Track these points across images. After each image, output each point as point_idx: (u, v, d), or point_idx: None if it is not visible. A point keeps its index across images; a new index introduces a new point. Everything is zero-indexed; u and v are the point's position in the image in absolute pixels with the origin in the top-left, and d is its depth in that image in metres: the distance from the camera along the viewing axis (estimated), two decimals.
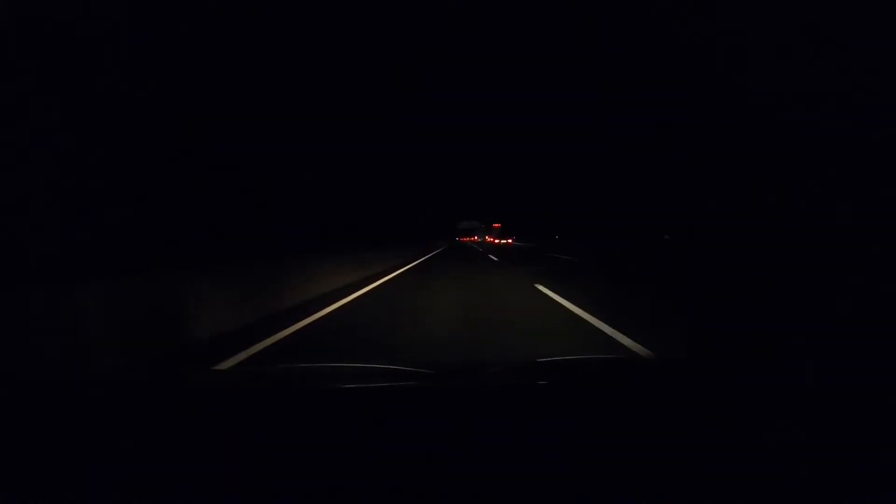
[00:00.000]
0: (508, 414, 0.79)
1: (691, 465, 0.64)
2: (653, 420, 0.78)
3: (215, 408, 0.83)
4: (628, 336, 3.27)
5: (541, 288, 6.19)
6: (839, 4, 9.32)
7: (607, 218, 29.76)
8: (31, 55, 3.10)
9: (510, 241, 54.98)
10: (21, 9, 3.01)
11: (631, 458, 0.65)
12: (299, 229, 7.95)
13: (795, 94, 10.58)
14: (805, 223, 10.59)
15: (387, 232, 15.33)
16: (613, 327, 3.57)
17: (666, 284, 7.51)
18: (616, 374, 1.19)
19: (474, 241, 73.50)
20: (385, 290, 6.32)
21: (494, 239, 69.43)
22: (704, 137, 15.86)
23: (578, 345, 3.16)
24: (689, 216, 17.78)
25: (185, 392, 0.95)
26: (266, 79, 7.11)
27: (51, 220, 3.15)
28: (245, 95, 6.42)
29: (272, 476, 0.60)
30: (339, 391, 0.96)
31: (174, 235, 4.49)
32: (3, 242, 2.78)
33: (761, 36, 11.20)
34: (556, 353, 2.93)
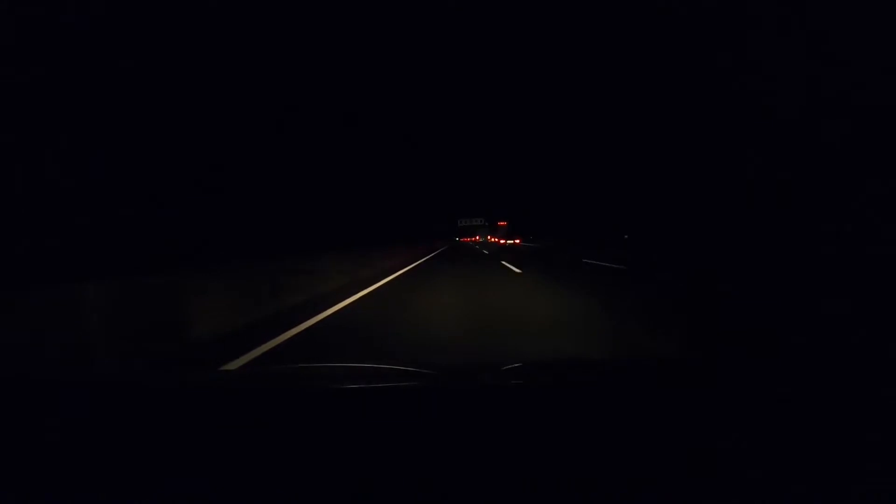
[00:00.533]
0: (510, 415, 0.79)
1: (692, 466, 0.64)
2: (653, 421, 0.78)
3: (225, 408, 0.84)
4: None
5: None
6: (840, 5, 9.32)
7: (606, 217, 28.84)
8: (32, 56, 3.10)
9: (517, 240, 50.01)
10: (22, 9, 3.01)
11: (632, 460, 0.65)
12: (294, 231, 7.94)
13: (795, 94, 10.58)
14: (805, 223, 10.60)
15: (385, 232, 15.12)
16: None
17: (669, 284, 7.50)
18: (617, 376, 1.19)
19: (475, 241, 68.71)
20: (381, 293, 6.31)
21: (499, 239, 60.81)
22: (704, 137, 15.86)
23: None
24: (689, 215, 17.72)
25: (195, 392, 0.95)
26: (266, 79, 7.11)
27: (51, 220, 3.15)
28: (245, 95, 6.42)
29: (276, 475, 0.60)
30: (344, 392, 0.96)
31: (174, 235, 4.50)
32: (5, 242, 2.78)
33: (762, 35, 11.21)
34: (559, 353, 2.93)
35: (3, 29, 2.93)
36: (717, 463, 0.64)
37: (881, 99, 8.66)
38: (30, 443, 0.70)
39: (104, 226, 3.58)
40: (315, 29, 9.37)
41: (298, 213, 8.34)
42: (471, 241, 73.91)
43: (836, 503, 0.57)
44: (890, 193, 8.62)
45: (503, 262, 12.04)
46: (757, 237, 12.17)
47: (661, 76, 18.67)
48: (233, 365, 2.68)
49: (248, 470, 0.61)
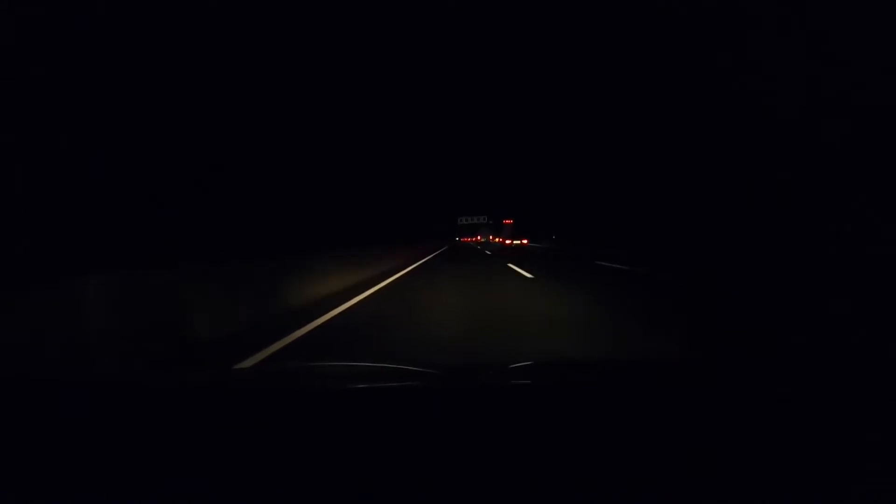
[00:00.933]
0: (511, 415, 0.80)
1: (692, 466, 0.64)
2: (653, 421, 0.78)
3: (225, 408, 0.84)
4: None
5: None
6: (840, 5, 9.32)
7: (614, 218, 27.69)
8: (32, 56, 3.10)
9: (524, 241, 45.61)
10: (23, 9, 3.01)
11: (632, 460, 0.65)
12: (289, 230, 7.85)
13: (795, 94, 10.58)
14: (804, 223, 10.60)
15: (383, 232, 14.81)
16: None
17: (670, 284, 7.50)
18: (618, 376, 1.19)
19: (477, 242, 64.60)
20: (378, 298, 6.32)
21: (505, 239, 55.15)
22: (704, 137, 15.86)
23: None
24: (689, 215, 17.70)
25: (194, 393, 0.95)
26: (267, 79, 7.11)
27: (51, 220, 3.15)
28: (245, 94, 6.42)
29: (276, 475, 0.60)
30: (345, 391, 0.96)
31: (174, 235, 4.49)
32: (4, 242, 2.78)
33: (762, 35, 11.22)
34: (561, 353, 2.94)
35: (4, 29, 2.93)
36: (717, 463, 0.64)
37: (881, 99, 8.67)
38: (32, 443, 0.70)
39: (104, 226, 3.58)
40: (315, 25, 9.37)
41: (294, 211, 8.32)
42: (472, 241, 69.35)
43: (836, 503, 0.57)
44: (890, 193, 8.63)
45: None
46: (757, 237, 12.17)
47: (661, 76, 18.68)
48: (243, 365, 2.68)
49: (249, 470, 0.61)
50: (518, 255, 18.48)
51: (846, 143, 9.55)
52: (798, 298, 5.54)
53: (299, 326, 3.76)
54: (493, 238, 68.00)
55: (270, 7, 7.02)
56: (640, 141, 22.46)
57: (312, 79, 9.56)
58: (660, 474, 0.62)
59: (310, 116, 9.33)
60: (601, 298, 5.65)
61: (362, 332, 3.67)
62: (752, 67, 11.78)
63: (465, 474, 0.61)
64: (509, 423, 0.75)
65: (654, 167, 21.44)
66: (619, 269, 10.14)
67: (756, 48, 11.52)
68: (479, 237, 72.91)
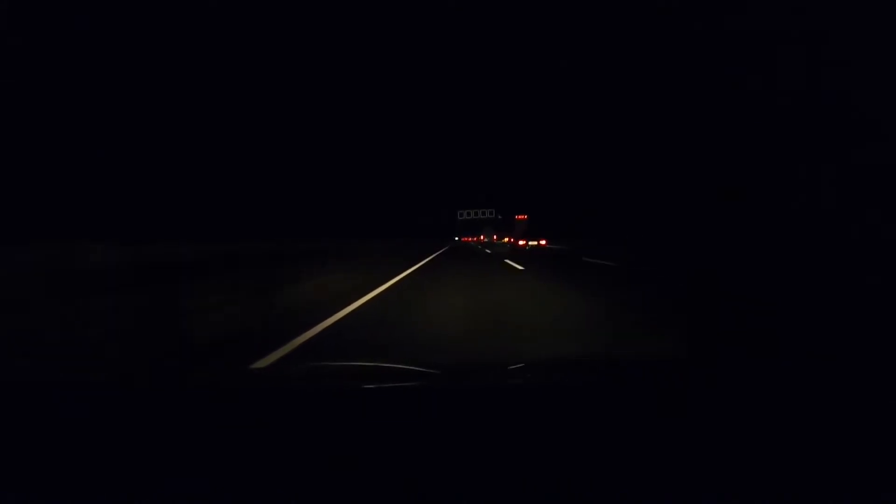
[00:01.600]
0: (512, 415, 0.80)
1: (692, 466, 0.64)
2: (653, 421, 0.78)
3: (225, 409, 0.84)
4: None
5: None
6: (840, 5, 9.34)
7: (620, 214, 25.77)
8: (33, 56, 3.11)
9: (543, 241, 36.02)
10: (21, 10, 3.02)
11: (632, 460, 0.65)
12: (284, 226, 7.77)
13: (795, 94, 10.59)
14: (805, 223, 10.61)
15: (383, 230, 14.20)
16: None
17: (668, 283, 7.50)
18: (617, 376, 1.19)
19: (479, 242, 53.87)
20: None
21: (518, 239, 42.18)
22: (704, 136, 15.86)
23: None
24: (690, 215, 17.65)
25: (194, 394, 0.95)
26: (267, 78, 7.11)
27: (62, 217, 3.15)
28: (245, 93, 6.42)
29: (278, 476, 0.60)
30: (347, 392, 0.97)
31: (174, 235, 4.50)
32: (8, 242, 2.78)
33: (762, 35, 11.23)
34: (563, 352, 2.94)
35: (5, 29, 2.93)
36: (717, 463, 0.65)
37: (881, 99, 8.68)
38: (37, 443, 0.70)
39: (107, 224, 3.59)
40: (310, 17, 9.37)
41: (291, 208, 8.27)
42: (474, 241, 59.92)
43: (837, 503, 0.58)
44: (890, 193, 8.64)
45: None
46: (757, 237, 12.17)
47: (662, 75, 18.68)
48: (258, 364, 2.66)
49: (251, 470, 0.62)
50: None
51: (845, 144, 9.56)
52: (798, 298, 5.53)
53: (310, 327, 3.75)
54: (497, 238, 56.55)
55: (272, 5, 7.02)
56: (639, 141, 22.36)
57: (314, 70, 9.48)
58: (659, 475, 0.62)
59: (310, 110, 9.29)
60: None
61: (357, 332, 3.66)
62: (752, 67, 11.80)
63: (465, 474, 0.61)
64: (509, 423, 0.76)
65: (653, 167, 21.32)
66: None
67: (756, 48, 11.53)
68: (482, 237, 61.95)
